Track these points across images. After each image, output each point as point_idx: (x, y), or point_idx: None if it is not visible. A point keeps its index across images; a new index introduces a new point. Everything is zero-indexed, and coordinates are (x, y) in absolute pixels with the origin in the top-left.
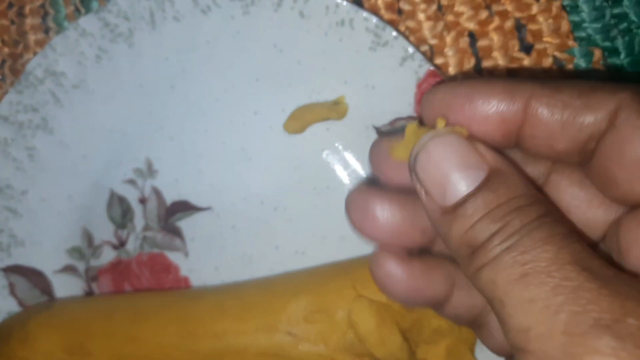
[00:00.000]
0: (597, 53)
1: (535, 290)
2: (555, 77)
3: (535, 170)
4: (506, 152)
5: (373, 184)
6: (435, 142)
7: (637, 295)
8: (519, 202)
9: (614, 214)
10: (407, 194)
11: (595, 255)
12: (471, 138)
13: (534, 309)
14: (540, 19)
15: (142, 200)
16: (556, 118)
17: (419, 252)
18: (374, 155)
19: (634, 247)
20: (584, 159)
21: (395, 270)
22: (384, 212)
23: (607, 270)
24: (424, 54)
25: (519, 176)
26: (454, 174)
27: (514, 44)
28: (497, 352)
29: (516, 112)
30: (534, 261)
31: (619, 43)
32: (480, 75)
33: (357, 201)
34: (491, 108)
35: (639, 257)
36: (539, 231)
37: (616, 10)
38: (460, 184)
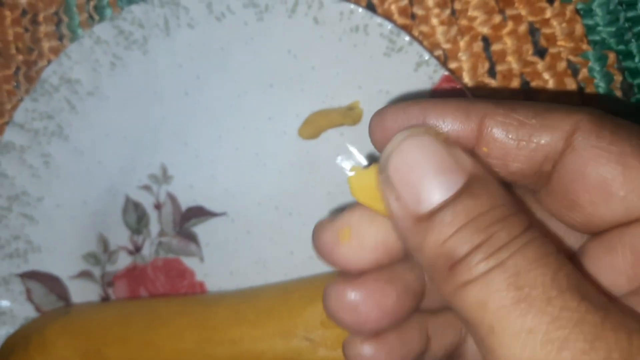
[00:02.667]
0: (612, 56)
1: (534, 320)
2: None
3: None
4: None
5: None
6: (410, 142)
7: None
8: (503, 211)
9: (571, 241)
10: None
11: (585, 279)
12: (448, 141)
13: (532, 342)
14: (554, 22)
15: (158, 206)
16: (511, 137)
17: None
18: (323, 244)
19: (602, 275)
20: (539, 183)
21: (373, 352)
22: (371, 300)
23: (602, 298)
24: (437, 58)
25: (498, 184)
26: (430, 179)
27: (528, 48)
28: None
29: (470, 130)
30: (530, 285)
31: (634, 46)
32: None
33: (336, 296)
34: (445, 127)
35: (609, 285)
36: (531, 249)
37: (630, 14)
38: (438, 190)
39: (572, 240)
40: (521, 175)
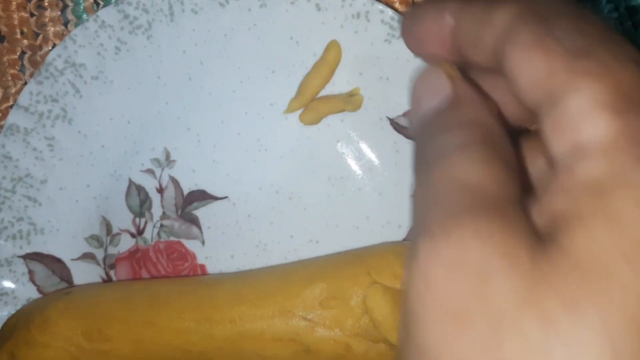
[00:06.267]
0: None
1: None
2: None
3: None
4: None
5: None
6: (421, 76)
7: None
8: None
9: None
10: None
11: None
12: (455, 75)
13: None
14: None
15: (160, 190)
16: (472, 34)
17: None
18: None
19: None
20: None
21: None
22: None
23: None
24: None
25: (474, 103)
26: (424, 100)
27: None
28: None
29: (445, 29)
30: None
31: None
32: None
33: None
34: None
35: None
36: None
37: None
38: (426, 105)
39: None
40: (488, 63)
